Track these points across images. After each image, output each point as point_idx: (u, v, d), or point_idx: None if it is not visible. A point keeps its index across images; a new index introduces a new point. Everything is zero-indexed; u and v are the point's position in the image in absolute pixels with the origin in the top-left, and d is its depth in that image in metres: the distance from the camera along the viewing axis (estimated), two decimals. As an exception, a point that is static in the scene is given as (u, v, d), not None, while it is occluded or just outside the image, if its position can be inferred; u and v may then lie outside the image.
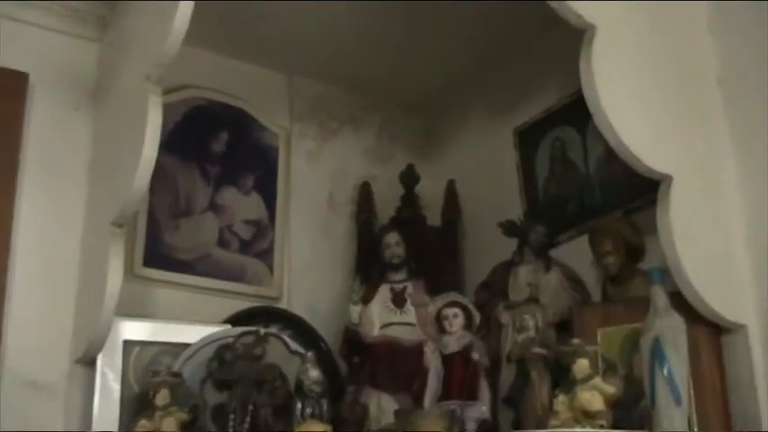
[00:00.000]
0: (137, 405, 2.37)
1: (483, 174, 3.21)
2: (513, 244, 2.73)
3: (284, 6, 2.83)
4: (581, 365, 1.93)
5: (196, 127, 2.95)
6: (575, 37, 2.18)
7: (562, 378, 2.10)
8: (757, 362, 2.13)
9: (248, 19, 2.87)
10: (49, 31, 2.71)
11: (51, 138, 2.63)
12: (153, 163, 2.21)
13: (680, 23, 2.36)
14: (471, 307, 2.44)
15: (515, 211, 2.94)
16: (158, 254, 2.81)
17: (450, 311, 2.43)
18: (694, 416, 2.07)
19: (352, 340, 2.71)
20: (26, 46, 2.65)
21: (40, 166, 2.59)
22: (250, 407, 2.17)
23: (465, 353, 2.36)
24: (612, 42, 2.12)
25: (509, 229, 2.69)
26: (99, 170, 2.59)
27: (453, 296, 2.50)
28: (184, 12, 2.17)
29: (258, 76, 3.20)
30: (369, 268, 2.92)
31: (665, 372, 2.02)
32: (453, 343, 2.39)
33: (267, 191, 3.09)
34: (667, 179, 2.12)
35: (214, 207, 2.97)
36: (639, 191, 2.50)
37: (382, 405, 2.53)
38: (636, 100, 2.14)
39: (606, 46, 2.11)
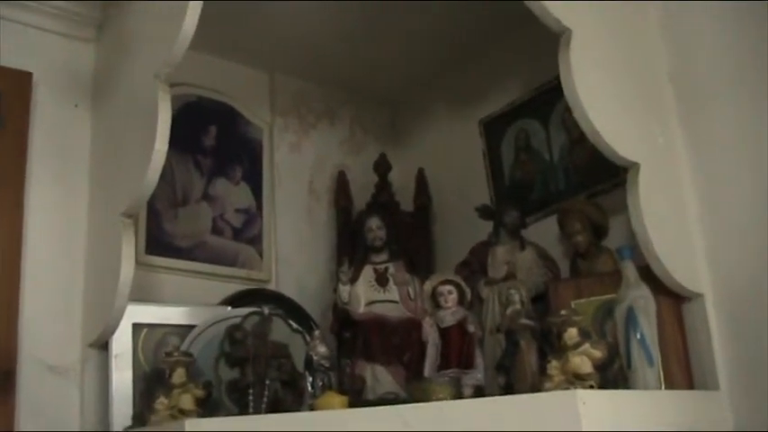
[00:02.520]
0: (148, 384, 2.43)
1: (450, 162, 3.31)
2: (478, 225, 2.83)
3: (266, 8, 2.90)
4: (571, 333, 2.06)
5: (189, 122, 3.00)
6: (536, 35, 2.30)
7: (546, 345, 2.26)
8: (713, 326, 2.29)
9: (232, 20, 2.92)
10: (49, 33, 2.74)
11: (55, 133, 2.67)
12: (164, 156, 2.27)
13: (638, 24, 2.49)
14: (464, 284, 2.54)
15: (482, 196, 3.07)
16: (159, 242, 2.86)
17: (444, 288, 2.52)
18: (662, 375, 2.21)
19: (343, 318, 2.78)
20: (29, 47, 2.68)
21: (45, 161, 2.63)
22: (267, 381, 2.24)
23: (460, 326, 2.47)
24: (585, 43, 2.24)
25: (485, 212, 2.79)
26: (104, 164, 2.63)
27: (446, 275, 2.59)
28: (193, 13, 2.23)
29: (242, 74, 3.26)
30: (351, 251, 3.00)
31: (639, 336, 2.17)
32: (449, 317, 2.49)
33: (254, 181, 3.16)
34: (635, 166, 2.25)
35: (207, 197, 3.03)
36: (601, 176, 2.69)
37: (376, 375, 2.62)
38: (607, 95, 2.26)
39: (581, 47, 2.22)
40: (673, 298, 2.31)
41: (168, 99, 2.30)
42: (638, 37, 2.49)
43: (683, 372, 2.28)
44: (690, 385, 2.27)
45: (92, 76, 2.79)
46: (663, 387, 2.20)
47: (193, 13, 2.23)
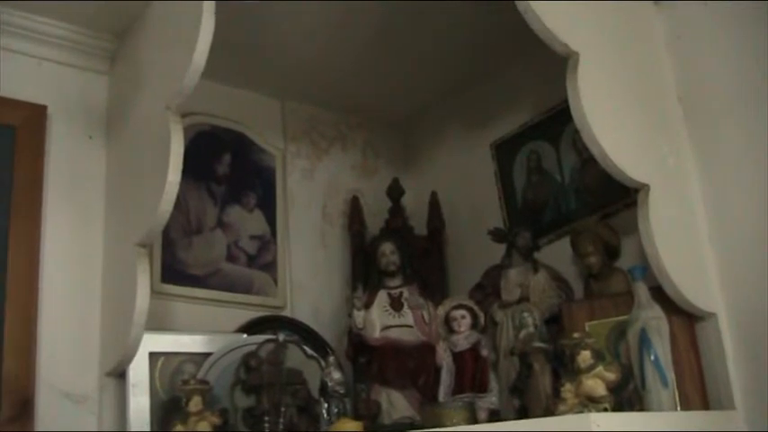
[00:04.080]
0: (165, 412, 2.48)
1: (463, 185, 3.33)
2: (492, 248, 2.85)
3: (275, 36, 2.94)
4: (584, 356, 2.08)
5: (202, 151, 3.05)
6: (547, 58, 2.32)
7: (560, 367, 2.27)
8: (727, 345, 2.28)
9: (243, 49, 2.97)
10: (63, 66, 2.80)
11: (69, 165, 2.73)
12: (177, 187, 2.32)
13: (645, 46, 2.52)
14: (476, 308, 2.56)
15: (495, 218, 3.09)
16: (174, 270, 2.89)
17: (458, 313, 2.54)
18: (677, 396, 2.22)
19: (358, 343, 2.80)
20: (43, 80, 2.75)
21: (61, 192, 2.68)
22: (282, 408, 2.27)
23: (474, 350, 2.49)
24: (593, 67, 2.25)
25: (497, 235, 2.80)
26: (119, 194, 2.68)
27: (460, 299, 2.62)
28: (203, 44, 2.29)
29: (254, 101, 3.30)
30: (365, 276, 3.02)
31: (653, 357, 2.19)
32: (463, 341, 2.51)
33: (268, 208, 3.18)
34: (645, 187, 2.26)
35: (222, 225, 3.06)
36: (612, 197, 2.69)
37: (392, 400, 2.64)
38: (616, 118, 2.28)
39: (588, 70, 2.23)
40: (686, 318, 2.31)
41: (180, 130, 2.35)
42: (646, 58, 2.50)
43: (698, 392, 2.28)
44: (705, 406, 2.27)
45: (105, 108, 2.84)
46: (678, 408, 2.21)
47: (203, 44, 2.29)
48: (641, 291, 2.28)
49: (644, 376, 2.19)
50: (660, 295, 2.26)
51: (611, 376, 2.06)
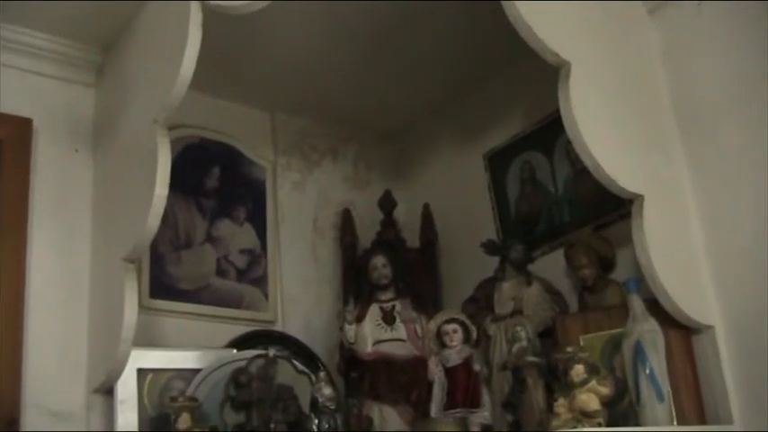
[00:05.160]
0: (153, 429, 2.46)
1: (456, 196, 3.32)
2: (486, 260, 2.85)
3: (266, 48, 2.95)
4: (577, 370, 2.08)
5: (191, 164, 3.03)
6: (539, 67, 2.32)
7: (554, 382, 2.27)
8: (724, 358, 2.28)
9: (231, 61, 2.97)
10: (49, 78, 2.79)
11: (56, 179, 2.71)
12: (165, 200, 2.31)
13: (639, 57, 2.52)
14: (468, 322, 2.56)
15: (488, 230, 3.08)
16: (163, 285, 2.87)
17: (449, 327, 2.54)
18: (673, 410, 2.22)
19: (349, 358, 2.79)
20: (29, 93, 2.74)
21: (47, 207, 2.67)
22: (272, 425, 2.25)
23: (466, 364, 2.49)
24: (585, 76, 2.26)
25: (491, 248, 2.81)
26: (106, 208, 2.66)
27: (451, 312, 2.62)
28: (190, 57, 2.28)
29: (243, 114, 3.29)
30: (357, 289, 3.01)
31: (648, 371, 2.19)
32: (455, 356, 2.51)
33: (258, 221, 3.17)
34: (639, 198, 2.26)
35: (211, 239, 3.05)
36: (605, 208, 2.69)
37: (384, 415, 2.64)
38: (609, 128, 2.28)
39: (580, 80, 2.24)
40: (682, 330, 2.31)
41: (167, 143, 2.34)
42: (639, 67, 2.51)
43: (695, 406, 2.27)
44: (702, 420, 2.26)
45: (92, 121, 2.83)
46: (674, 423, 2.20)
47: (191, 55, 2.28)
48: (636, 303, 2.28)
49: (639, 390, 2.19)
50: (655, 308, 2.26)
51: (605, 390, 2.06)
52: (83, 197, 2.74)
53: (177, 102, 2.32)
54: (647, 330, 2.23)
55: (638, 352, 2.21)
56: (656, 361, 2.19)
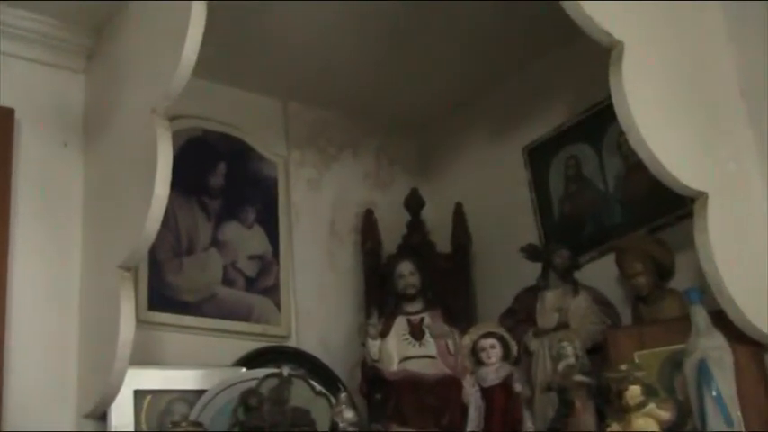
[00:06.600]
0: (152, 458, 2.46)
1: (491, 196, 3.32)
2: (526, 267, 2.85)
3: (276, 30, 2.94)
4: (633, 392, 2.07)
5: (193, 159, 3.04)
6: (585, 49, 2.33)
7: (605, 405, 2.24)
8: (802, 379, 2.25)
9: (239, 43, 2.97)
10: (33, 63, 2.81)
11: (42, 177, 2.72)
12: (165, 202, 2.31)
13: (702, 36, 2.49)
14: (508, 336, 2.55)
15: (529, 234, 3.07)
16: (163, 296, 2.88)
17: (486, 342, 2.52)
18: (743, 437, 2.20)
19: (372, 377, 2.79)
20: (10, 79, 2.73)
21: (32, 208, 2.67)
22: (286, 454, 2.25)
23: (505, 384, 2.47)
24: (641, 58, 2.23)
25: (531, 253, 2.80)
26: (98, 210, 2.67)
27: (488, 326, 2.61)
28: (194, 38, 2.28)
29: (252, 103, 3.30)
30: (381, 300, 3.01)
31: (714, 393, 2.15)
32: (492, 375, 2.49)
33: (269, 224, 3.19)
34: (702, 196, 2.23)
35: (216, 244, 3.06)
36: (663, 208, 2.68)
37: (410, 442, 2.65)
38: (668, 116, 2.26)
39: (635, 62, 2.21)
40: (752, 347, 2.28)
41: (169, 136, 2.34)
42: (702, 48, 2.48)
43: (768, 433, 2.26)
44: (777, 448, 2.24)
45: (82, 112, 2.85)
46: (746, 451, 2.18)
47: (194, 38, 2.28)
48: (699, 316, 2.24)
49: (704, 415, 2.15)
50: (722, 321, 2.23)
51: (666, 415, 2.05)
52: (72, 197, 2.74)
53: (178, 89, 2.32)
54: (713, 347, 2.19)
55: (703, 371, 2.17)
56: (724, 382, 2.15)
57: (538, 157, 3.16)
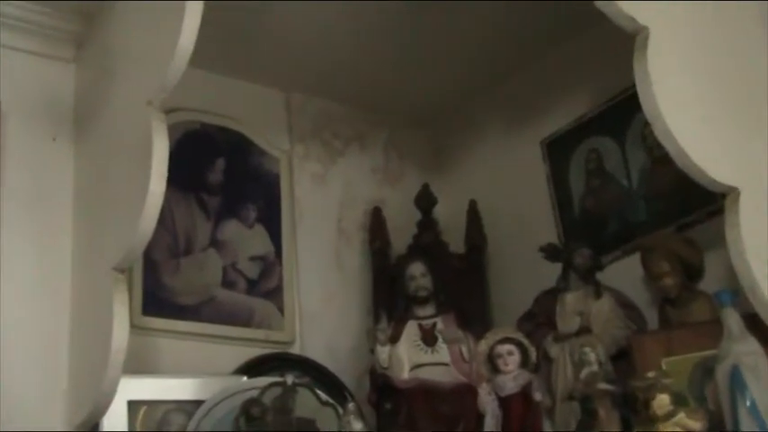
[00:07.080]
0: (147, 471, 2.45)
1: (507, 191, 3.32)
2: (545, 268, 2.83)
3: (278, 17, 2.93)
4: (661, 401, 2.05)
5: (191, 154, 3.04)
6: (607, 36, 2.30)
7: (630, 414, 2.23)
8: (844, 388, 2.22)
9: (239, 31, 2.96)
10: (20, 52, 2.79)
11: (29, 173, 2.70)
12: (161, 199, 2.27)
13: (733, 21, 2.44)
14: (526, 342, 2.54)
15: (547, 233, 3.07)
16: (158, 300, 2.87)
17: (503, 348, 2.52)
18: (779, 448, 2.17)
19: (382, 385, 2.77)
20: (-6, 69, 2.72)
21: (19, 206, 2.65)
22: (290, 466, 2.24)
23: (524, 393, 2.47)
24: (668, 45, 2.20)
25: (551, 253, 2.79)
26: (90, 208, 2.65)
27: (505, 331, 2.60)
28: (191, 26, 2.24)
29: (253, 94, 3.30)
30: (390, 303, 3.01)
31: (748, 402, 2.11)
32: (510, 383, 2.49)
33: (271, 222, 3.18)
34: (734, 192, 2.19)
35: (216, 244, 3.05)
36: (691, 204, 2.66)
37: (423, 454, 2.64)
38: (696, 107, 2.22)
39: (661, 49, 2.18)
40: (790, 353, 2.26)
41: (164, 130, 2.31)
42: (734, 34, 2.43)
43: (806, 444, 2.22)
44: (814, 461, 2.21)
45: (72, 104, 2.83)
46: (781, 464, 2.15)
47: (191, 25, 2.25)
48: (732, 319, 2.21)
49: (738, 426, 2.11)
50: (756, 325, 2.18)
51: (696, 426, 2.03)
52: (62, 194, 2.72)
53: (175, 80, 2.29)
54: (747, 352, 2.16)
55: (736, 379, 2.13)
56: (759, 390, 2.11)
57: (557, 150, 3.15)
